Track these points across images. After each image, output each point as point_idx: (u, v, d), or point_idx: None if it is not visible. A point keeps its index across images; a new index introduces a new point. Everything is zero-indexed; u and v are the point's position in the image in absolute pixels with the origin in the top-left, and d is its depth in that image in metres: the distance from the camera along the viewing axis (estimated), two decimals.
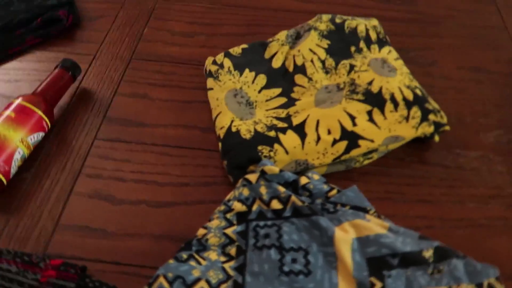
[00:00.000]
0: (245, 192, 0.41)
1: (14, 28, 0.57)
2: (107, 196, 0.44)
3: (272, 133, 0.45)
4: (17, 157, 0.43)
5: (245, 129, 0.46)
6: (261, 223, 0.40)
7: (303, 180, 0.43)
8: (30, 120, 0.45)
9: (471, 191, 0.45)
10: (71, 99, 0.53)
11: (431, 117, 0.46)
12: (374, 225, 0.39)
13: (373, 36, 0.55)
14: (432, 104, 0.48)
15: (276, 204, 0.40)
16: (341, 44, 0.54)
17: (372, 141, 0.44)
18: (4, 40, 0.57)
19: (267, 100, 0.50)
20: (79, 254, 0.40)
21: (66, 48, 0.59)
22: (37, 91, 0.48)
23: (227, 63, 0.52)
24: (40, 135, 0.46)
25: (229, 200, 0.41)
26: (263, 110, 0.49)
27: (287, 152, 0.44)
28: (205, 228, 0.40)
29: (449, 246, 0.37)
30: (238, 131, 0.46)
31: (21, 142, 0.44)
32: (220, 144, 0.46)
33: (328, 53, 0.53)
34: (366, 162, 0.46)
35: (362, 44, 0.54)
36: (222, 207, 0.41)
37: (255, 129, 0.46)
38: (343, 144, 0.44)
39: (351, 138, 0.45)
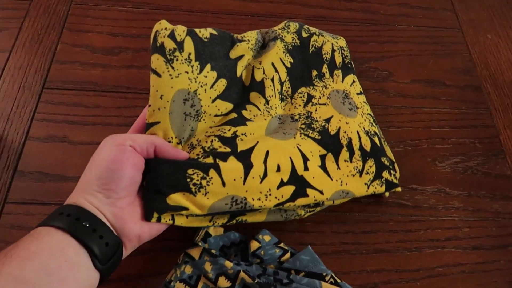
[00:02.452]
0: (188, 270, 0.36)
1: None
2: None
3: (209, 160, 0.37)
4: None
5: None
6: None
7: (254, 245, 0.38)
8: None
9: (428, 235, 0.43)
10: None
11: (385, 174, 0.42)
12: None
13: (338, 60, 0.49)
14: (388, 155, 0.45)
15: (223, 282, 0.36)
16: (303, 66, 0.47)
17: (321, 192, 0.39)
18: None
19: (216, 115, 0.41)
20: None
21: None
22: None
23: (189, 46, 0.39)
24: None
25: (170, 281, 0.36)
26: (207, 126, 0.40)
27: (224, 184, 0.36)
28: None
29: None
30: None
31: None
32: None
33: (289, 75, 0.45)
34: (307, 215, 0.41)
35: (325, 69, 0.48)
36: None
37: (189, 156, 0.38)
38: (289, 189, 0.38)
39: (299, 184, 0.38)
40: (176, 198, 0.35)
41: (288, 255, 0.39)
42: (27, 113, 0.46)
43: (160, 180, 0.35)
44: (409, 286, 0.40)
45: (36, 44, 0.51)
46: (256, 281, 0.36)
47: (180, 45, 0.38)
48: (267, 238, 0.39)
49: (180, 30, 0.39)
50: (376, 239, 0.42)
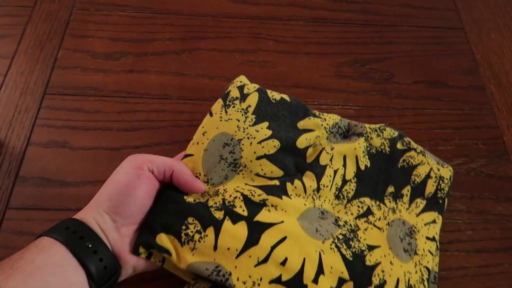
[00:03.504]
0: None
1: None
2: None
3: (219, 214, 0.34)
4: None
5: (193, 198, 0.35)
6: None
7: None
8: None
9: None
10: None
11: None
12: None
13: (429, 189, 0.41)
14: None
15: None
16: (380, 177, 0.41)
17: None
18: None
19: (257, 174, 0.37)
20: None
21: None
22: None
23: (252, 100, 0.39)
24: None
25: None
26: (241, 182, 0.37)
27: (215, 248, 0.32)
28: None
29: None
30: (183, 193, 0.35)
31: None
32: None
33: (358, 177, 0.40)
34: None
35: (406, 191, 0.41)
36: None
37: (207, 200, 0.35)
38: None
39: None
40: (164, 239, 0.33)
41: None
42: (28, 119, 0.47)
43: (158, 216, 0.33)
44: None
45: (38, 50, 0.52)
46: None
47: (243, 96, 0.39)
48: None
49: (252, 86, 0.41)
50: None
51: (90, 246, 0.30)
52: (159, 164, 0.34)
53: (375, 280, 0.34)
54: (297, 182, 0.38)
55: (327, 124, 0.41)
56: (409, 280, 0.36)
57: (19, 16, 0.54)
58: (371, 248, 0.36)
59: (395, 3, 0.61)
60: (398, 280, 0.35)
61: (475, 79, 0.54)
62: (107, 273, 0.30)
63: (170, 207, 0.34)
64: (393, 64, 0.55)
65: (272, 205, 0.36)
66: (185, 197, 0.35)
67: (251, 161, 0.37)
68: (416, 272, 0.37)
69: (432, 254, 0.38)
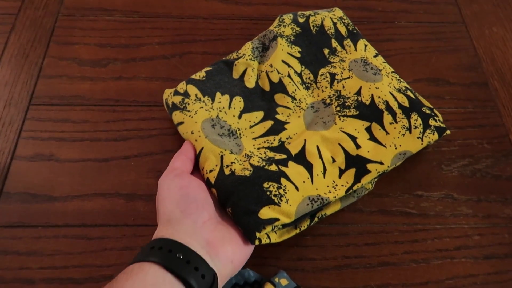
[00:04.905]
0: None
1: None
2: None
3: (273, 167, 0.38)
4: None
5: (240, 168, 0.38)
6: None
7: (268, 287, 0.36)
8: None
9: (436, 244, 0.40)
10: None
11: (432, 122, 0.42)
12: None
13: (342, 30, 0.49)
14: (426, 104, 0.44)
15: None
16: (313, 49, 0.48)
17: (381, 163, 0.40)
18: None
19: (251, 126, 0.43)
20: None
21: None
22: None
23: (192, 90, 0.43)
24: None
25: None
26: (250, 140, 0.42)
27: (297, 188, 0.37)
28: None
29: None
30: (233, 173, 0.37)
31: None
32: (214, 190, 0.37)
33: (303, 63, 0.46)
34: (371, 186, 0.42)
35: (334, 43, 0.48)
36: None
37: (251, 164, 0.38)
38: (351, 173, 0.40)
39: (358, 164, 0.40)
40: (266, 212, 0.35)
41: None
42: (13, 132, 0.45)
43: (244, 201, 0.35)
44: None
45: (22, 59, 0.50)
46: None
47: (185, 94, 0.42)
48: (284, 282, 0.36)
49: (180, 85, 0.43)
50: (380, 251, 0.40)
51: (181, 257, 0.28)
52: (179, 163, 0.37)
53: (381, 106, 0.42)
54: (279, 109, 0.43)
55: (249, 56, 0.46)
56: (394, 87, 0.44)
57: (2, 24, 0.52)
58: (358, 93, 0.44)
59: None
60: (390, 93, 0.43)
61: (477, 75, 0.52)
62: (206, 283, 0.28)
63: (244, 189, 0.36)
64: (392, 62, 0.52)
65: (287, 138, 0.41)
66: (236, 176, 0.37)
67: (238, 122, 0.42)
68: (392, 79, 0.45)
69: (386, 63, 0.47)
